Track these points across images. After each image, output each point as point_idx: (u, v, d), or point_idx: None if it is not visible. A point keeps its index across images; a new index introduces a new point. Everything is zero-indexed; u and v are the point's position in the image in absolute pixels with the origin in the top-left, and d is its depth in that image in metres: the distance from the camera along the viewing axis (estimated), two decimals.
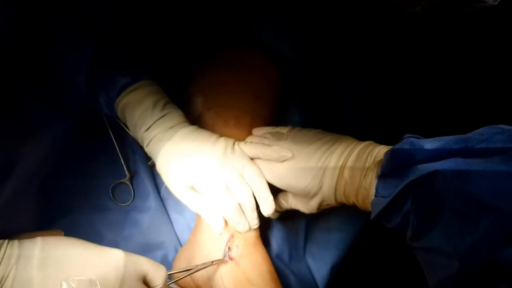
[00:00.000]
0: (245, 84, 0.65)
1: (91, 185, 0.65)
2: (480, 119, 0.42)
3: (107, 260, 0.41)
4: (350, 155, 0.50)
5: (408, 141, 0.43)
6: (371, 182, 0.46)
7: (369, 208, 0.47)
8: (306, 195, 0.53)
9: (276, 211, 0.58)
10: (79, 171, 0.66)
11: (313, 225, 0.69)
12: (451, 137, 0.40)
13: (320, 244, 0.68)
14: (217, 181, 0.54)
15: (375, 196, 0.46)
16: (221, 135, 0.61)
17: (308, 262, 0.67)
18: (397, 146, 0.44)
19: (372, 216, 0.45)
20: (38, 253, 0.38)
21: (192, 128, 0.57)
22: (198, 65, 0.68)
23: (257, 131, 0.61)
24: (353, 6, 0.67)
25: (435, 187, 0.38)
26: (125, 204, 0.65)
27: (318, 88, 0.73)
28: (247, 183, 0.55)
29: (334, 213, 0.70)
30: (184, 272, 0.52)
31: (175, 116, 0.57)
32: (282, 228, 0.66)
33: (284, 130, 0.57)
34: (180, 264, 0.59)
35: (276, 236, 0.66)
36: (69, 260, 0.39)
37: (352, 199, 0.50)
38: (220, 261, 0.56)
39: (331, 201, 0.52)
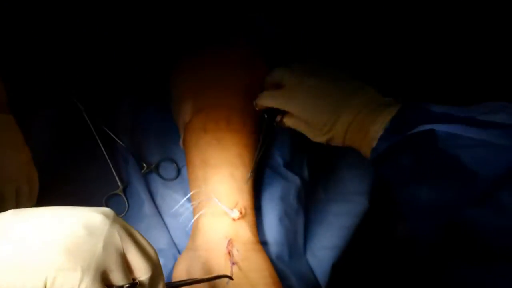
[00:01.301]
0: (232, 81, 0.64)
1: (84, 198, 0.64)
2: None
3: (90, 213, 0.35)
4: (367, 106, 0.52)
5: (419, 103, 0.48)
6: (375, 135, 0.50)
7: (366, 153, 0.52)
8: (320, 127, 0.55)
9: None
10: (71, 184, 0.65)
11: (312, 222, 0.68)
12: (457, 107, 0.45)
13: (320, 241, 0.68)
14: None
15: (377, 145, 0.49)
16: (214, 137, 0.60)
17: (309, 261, 0.67)
18: (407, 104, 0.49)
19: (370, 159, 0.51)
20: (10, 213, 0.34)
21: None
22: (179, 62, 0.67)
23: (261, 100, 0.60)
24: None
25: (427, 144, 0.43)
26: (120, 216, 0.64)
27: None
28: None
29: (332, 209, 0.70)
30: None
31: None
32: (281, 227, 0.66)
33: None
34: (180, 272, 0.58)
35: (275, 236, 0.65)
36: (43, 213, 0.34)
37: (357, 144, 0.53)
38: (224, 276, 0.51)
39: (339, 141, 0.55)
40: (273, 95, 0.58)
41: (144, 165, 0.66)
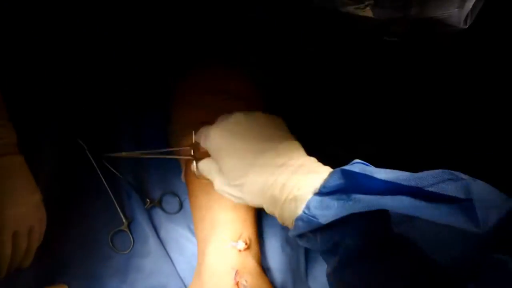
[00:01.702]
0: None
1: (89, 235, 0.65)
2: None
3: None
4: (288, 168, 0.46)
5: (359, 166, 0.41)
6: (302, 200, 0.43)
7: (287, 222, 0.45)
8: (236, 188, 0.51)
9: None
10: (75, 221, 0.65)
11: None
12: (403, 172, 0.39)
13: (320, 265, 0.69)
14: None
15: (304, 212, 0.42)
16: None
17: (311, 286, 0.68)
18: (346, 167, 0.41)
19: (294, 233, 0.44)
20: None
21: None
22: (179, 92, 0.67)
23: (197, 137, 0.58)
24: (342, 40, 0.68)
25: (378, 225, 0.37)
26: (125, 252, 0.65)
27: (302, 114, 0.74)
28: None
29: None
30: None
31: None
32: (283, 254, 0.67)
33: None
34: None
35: (278, 264, 0.67)
36: None
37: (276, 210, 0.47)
38: None
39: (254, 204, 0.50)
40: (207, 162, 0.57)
41: (148, 200, 0.67)
